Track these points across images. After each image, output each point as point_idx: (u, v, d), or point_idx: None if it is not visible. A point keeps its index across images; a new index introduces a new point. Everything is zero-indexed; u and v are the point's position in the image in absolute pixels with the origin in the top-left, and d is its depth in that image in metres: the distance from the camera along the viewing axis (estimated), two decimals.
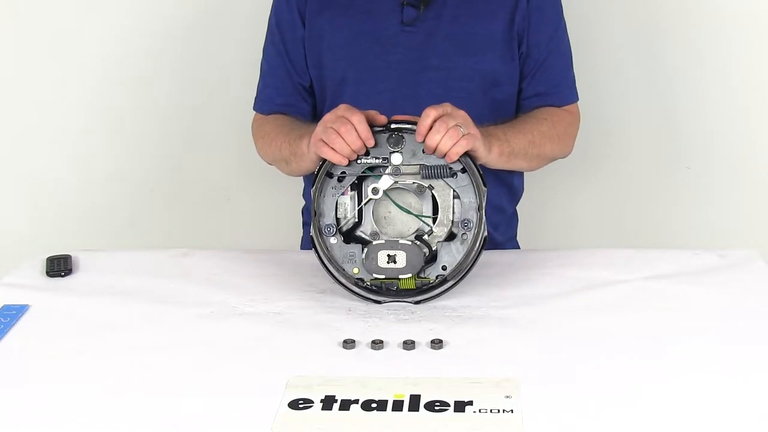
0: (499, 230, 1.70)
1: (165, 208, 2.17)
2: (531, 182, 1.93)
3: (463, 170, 1.34)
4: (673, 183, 2.11)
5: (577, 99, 1.69)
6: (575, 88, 1.69)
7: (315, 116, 1.67)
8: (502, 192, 1.68)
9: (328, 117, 1.35)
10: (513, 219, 1.78)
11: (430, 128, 1.30)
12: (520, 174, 1.75)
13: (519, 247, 1.78)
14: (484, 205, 1.33)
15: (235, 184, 2.16)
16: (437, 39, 1.59)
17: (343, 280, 1.37)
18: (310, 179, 1.60)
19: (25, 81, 2.10)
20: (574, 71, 1.70)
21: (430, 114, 1.31)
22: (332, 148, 1.33)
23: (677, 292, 1.39)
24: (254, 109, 1.71)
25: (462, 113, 1.35)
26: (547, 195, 2.13)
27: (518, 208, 1.80)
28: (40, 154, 2.13)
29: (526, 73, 1.64)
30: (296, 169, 1.56)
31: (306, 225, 1.78)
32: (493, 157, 1.43)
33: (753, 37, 2.00)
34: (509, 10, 1.61)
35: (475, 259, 1.35)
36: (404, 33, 1.60)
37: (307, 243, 1.70)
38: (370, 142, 1.32)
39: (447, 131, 1.30)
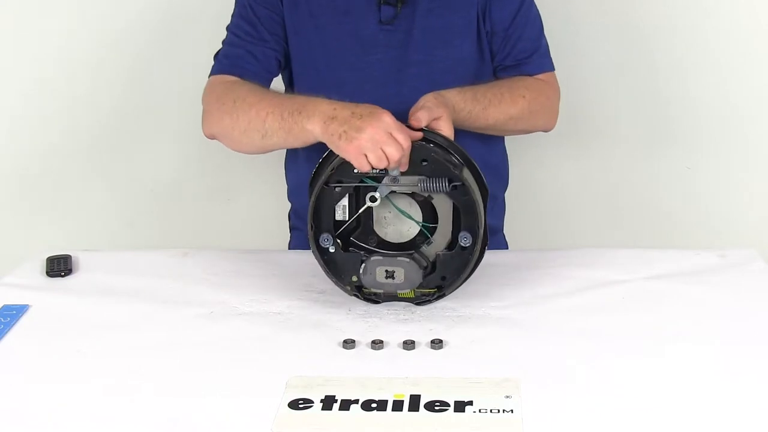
0: (491, 214, 1.69)
1: (165, 208, 2.17)
2: (531, 184, 1.94)
3: (462, 184, 1.30)
4: (673, 183, 2.11)
5: (553, 69, 1.67)
6: (549, 56, 1.67)
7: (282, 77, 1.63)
8: (490, 178, 1.66)
9: (380, 135, 1.28)
10: (502, 207, 1.76)
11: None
12: (505, 162, 1.74)
13: (506, 241, 1.78)
14: (483, 220, 1.30)
15: (234, 184, 2.16)
16: (416, 34, 1.58)
17: (343, 287, 1.36)
18: (296, 182, 1.59)
19: (26, 81, 2.10)
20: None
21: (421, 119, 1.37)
22: (369, 162, 1.29)
23: (677, 292, 1.39)
24: (213, 71, 1.60)
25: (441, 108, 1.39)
26: (546, 196, 2.13)
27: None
28: (40, 154, 2.13)
29: (496, 50, 1.63)
30: (270, 144, 1.46)
31: (293, 230, 1.77)
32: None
33: (754, 37, 2.00)
34: None
35: (474, 268, 1.34)
36: (383, 32, 1.59)
37: (295, 247, 1.69)
38: (404, 168, 1.30)
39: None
